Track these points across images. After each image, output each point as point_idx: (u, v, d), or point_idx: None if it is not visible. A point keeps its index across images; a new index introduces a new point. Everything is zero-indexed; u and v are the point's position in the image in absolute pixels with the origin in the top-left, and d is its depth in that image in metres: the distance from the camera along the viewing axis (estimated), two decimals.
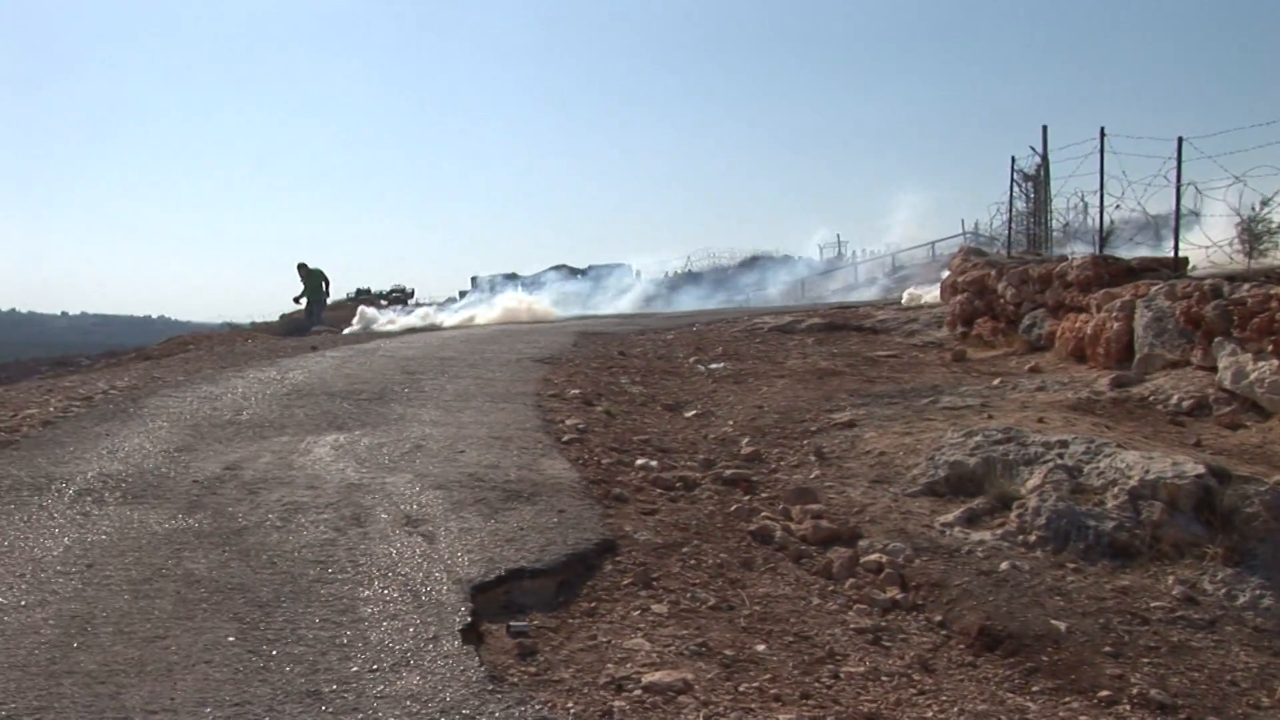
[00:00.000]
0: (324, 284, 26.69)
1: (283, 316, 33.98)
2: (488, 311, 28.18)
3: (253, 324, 31.50)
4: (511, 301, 29.59)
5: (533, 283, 39.39)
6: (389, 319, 28.45)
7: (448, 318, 28.19)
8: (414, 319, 28.71)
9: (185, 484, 6.57)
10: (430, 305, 34.79)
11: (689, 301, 36.00)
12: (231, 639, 4.25)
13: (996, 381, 11.28)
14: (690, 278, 44.64)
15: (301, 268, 26.28)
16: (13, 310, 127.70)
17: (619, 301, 35.59)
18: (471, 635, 4.48)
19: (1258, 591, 5.60)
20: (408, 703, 3.79)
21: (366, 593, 4.82)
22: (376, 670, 4.03)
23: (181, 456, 7.33)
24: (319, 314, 26.57)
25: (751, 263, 45.89)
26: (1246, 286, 9.66)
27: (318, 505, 6.13)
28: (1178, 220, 13.22)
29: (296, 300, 26.62)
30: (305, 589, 4.84)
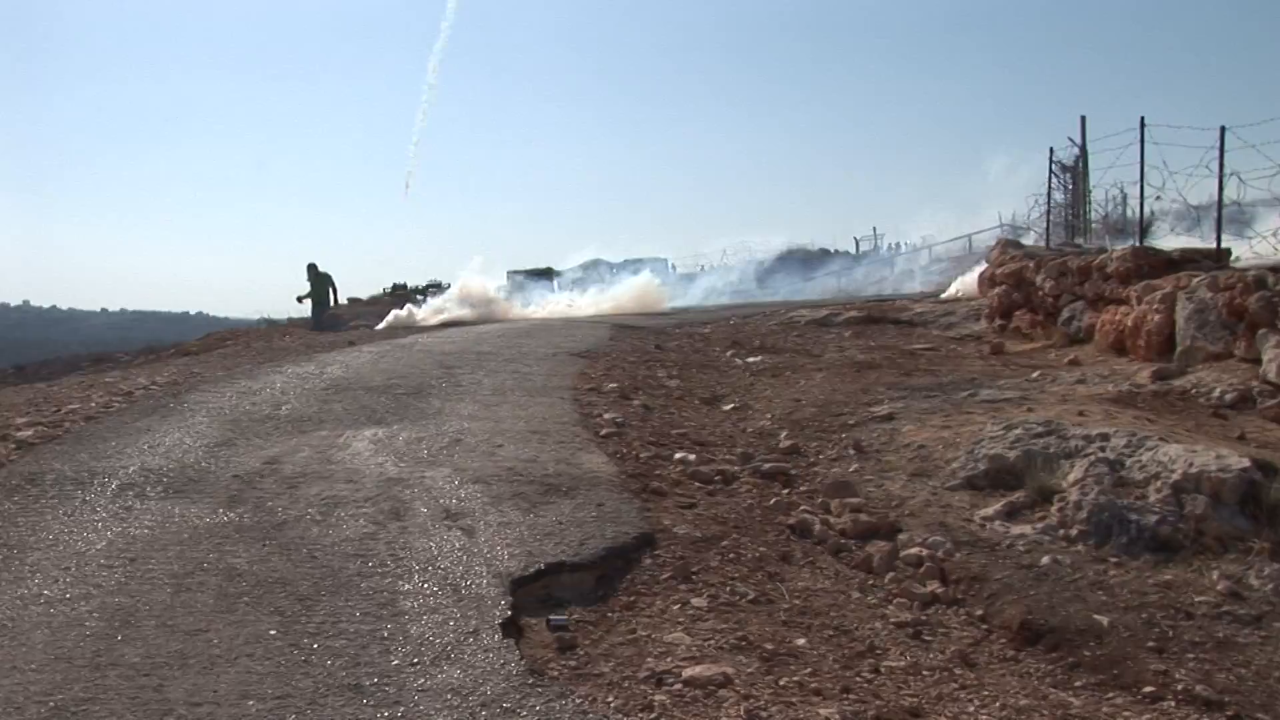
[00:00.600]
0: (331, 288, 26.58)
1: None
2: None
3: (290, 320, 31.60)
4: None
5: (572, 279, 39.23)
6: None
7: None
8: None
9: (225, 478, 6.61)
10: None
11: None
12: (273, 632, 4.27)
13: (1036, 374, 11.20)
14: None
15: (311, 268, 26.19)
16: (53, 307, 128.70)
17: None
18: (511, 629, 4.49)
19: None
20: (448, 696, 3.79)
21: (406, 586, 4.83)
22: (417, 664, 4.03)
23: (221, 451, 7.37)
24: (321, 317, 26.42)
25: (788, 257, 45.55)
26: None
27: (357, 499, 6.15)
28: (1220, 211, 13.09)
29: (300, 300, 26.52)
30: (345, 583, 4.86)
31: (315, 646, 4.15)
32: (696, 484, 7.17)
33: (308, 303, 26.28)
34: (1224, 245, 13.02)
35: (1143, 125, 14.47)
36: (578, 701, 3.88)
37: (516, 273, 41.69)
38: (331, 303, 26.56)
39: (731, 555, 5.79)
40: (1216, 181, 12.66)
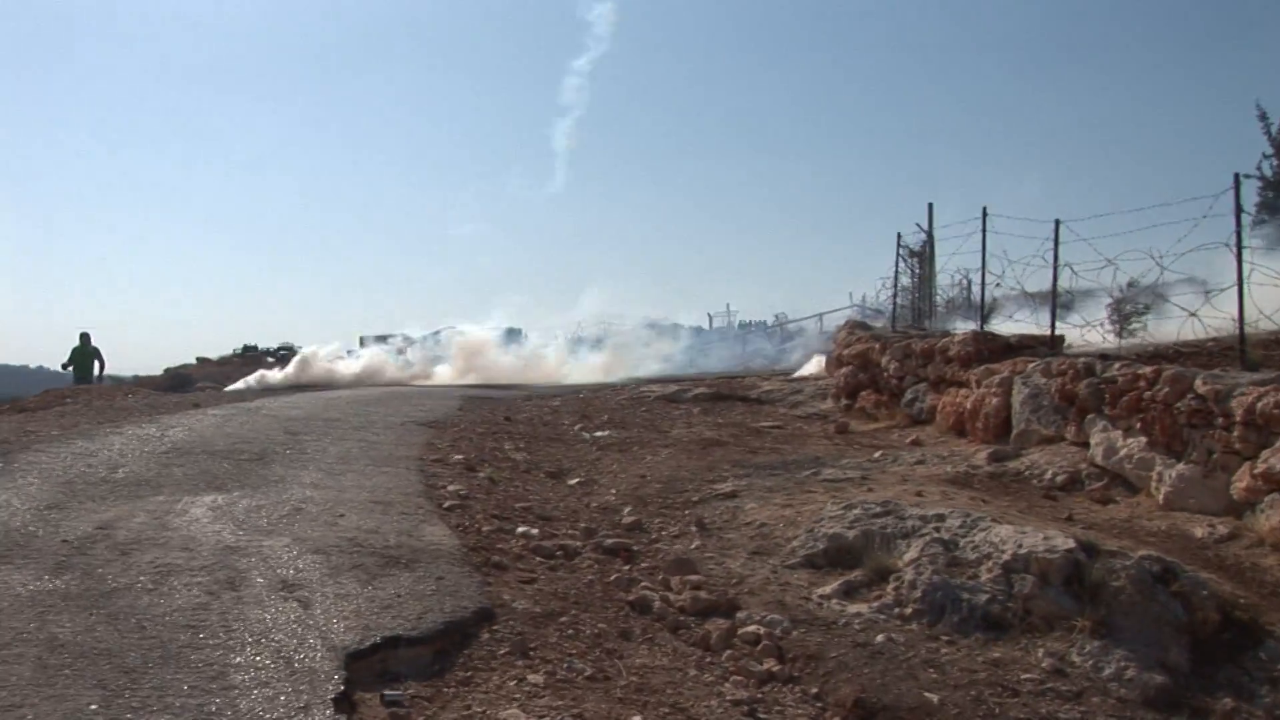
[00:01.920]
0: (98, 361, 25.29)
1: (167, 370, 33.31)
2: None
3: (136, 378, 30.75)
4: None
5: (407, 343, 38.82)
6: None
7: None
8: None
9: (54, 544, 6.40)
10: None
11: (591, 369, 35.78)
12: (94, 707, 4.14)
13: (878, 454, 11.48)
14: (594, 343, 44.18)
15: (83, 338, 25.03)
16: None
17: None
18: (344, 704, 4.43)
19: (1122, 663, 5.76)
20: None
21: (238, 659, 4.74)
22: None
23: (52, 515, 7.14)
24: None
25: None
26: (1117, 366, 10.00)
27: (192, 568, 6.02)
28: (1055, 299, 13.63)
29: (64, 367, 25.35)
30: (175, 654, 4.74)
31: None
32: (538, 559, 7.19)
33: (69, 370, 24.92)
34: (1058, 332, 13.54)
35: (985, 215, 15.03)
36: None
37: (368, 338, 41.24)
38: (95, 376, 25.19)
39: (570, 631, 5.81)
40: (1052, 271, 13.19)
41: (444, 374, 31.11)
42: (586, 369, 33.41)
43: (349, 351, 35.44)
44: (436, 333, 37.40)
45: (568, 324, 44.55)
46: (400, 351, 34.43)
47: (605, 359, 34.81)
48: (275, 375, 28.94)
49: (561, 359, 35.47)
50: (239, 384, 27.43)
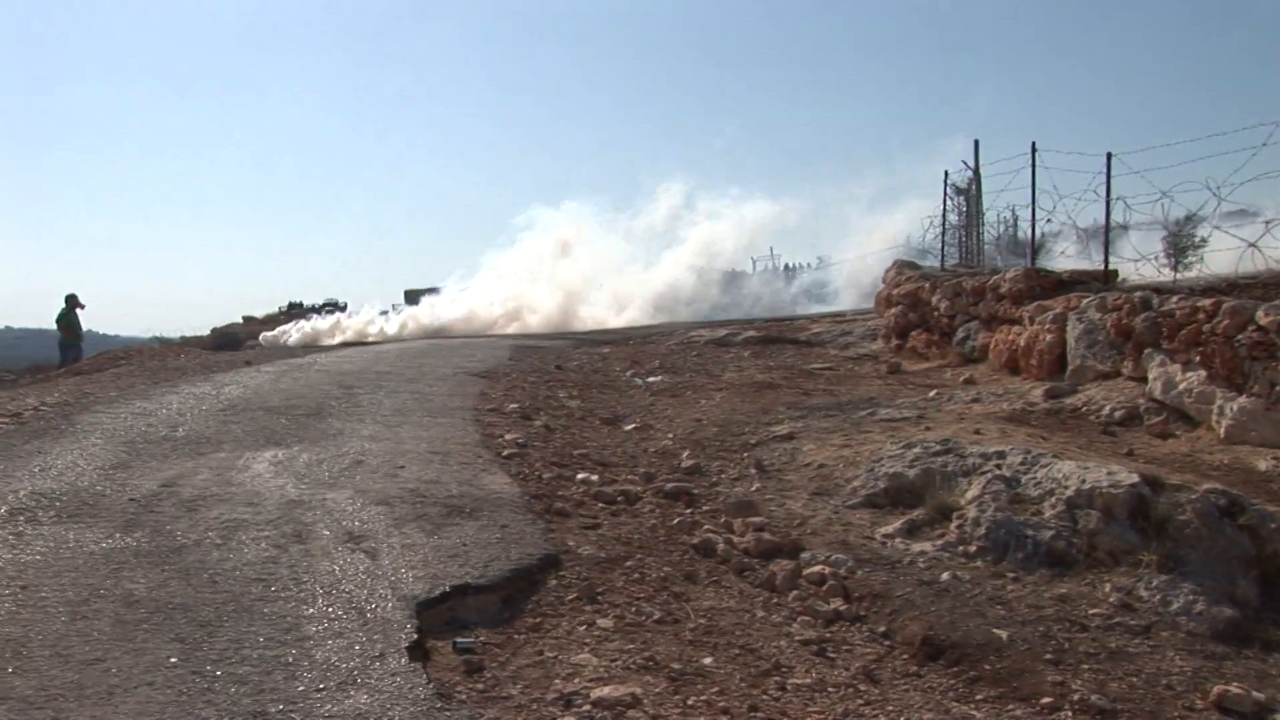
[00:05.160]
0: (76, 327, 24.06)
1: (214, 330, 33.54)
2: None
3: (183, 338, 31.00)
4: None
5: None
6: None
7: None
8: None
9: (122, 502, 6.45)
10: None
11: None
12: (174, 660, 4.18)
13: (932, 393, 11.40)
14: None
15: (70, 300, 23.54)
16: None
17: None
18: (418, 652, 4.45)
19: (1190, 597, 5.70)
20: None
21: (311, 610, 4.76)
22: (323, 689, 3.98)
23: (117, 474, 7.20)
24: (70, 357, 23.13)
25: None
26: (1175, 299, 9.86)
27: (258, 522, 6.05)
28: (1108, 234, 13.45)
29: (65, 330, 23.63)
30: (248, 608, 4.77)
31: (218, 674, 4.07)
32: (600, 504, 7.19)
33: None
34: (1111, 267, 13.37)
35: (1034, 150, 14.81)
36: None
37: (415, 292, 41.41)
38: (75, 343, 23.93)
39: (636, 575, 5.82)
40: (1104, 206, 13.00)
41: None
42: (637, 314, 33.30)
43: (387, 311, 35.65)
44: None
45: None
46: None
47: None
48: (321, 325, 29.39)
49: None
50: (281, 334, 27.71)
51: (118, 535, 5.77)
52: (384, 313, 35.06)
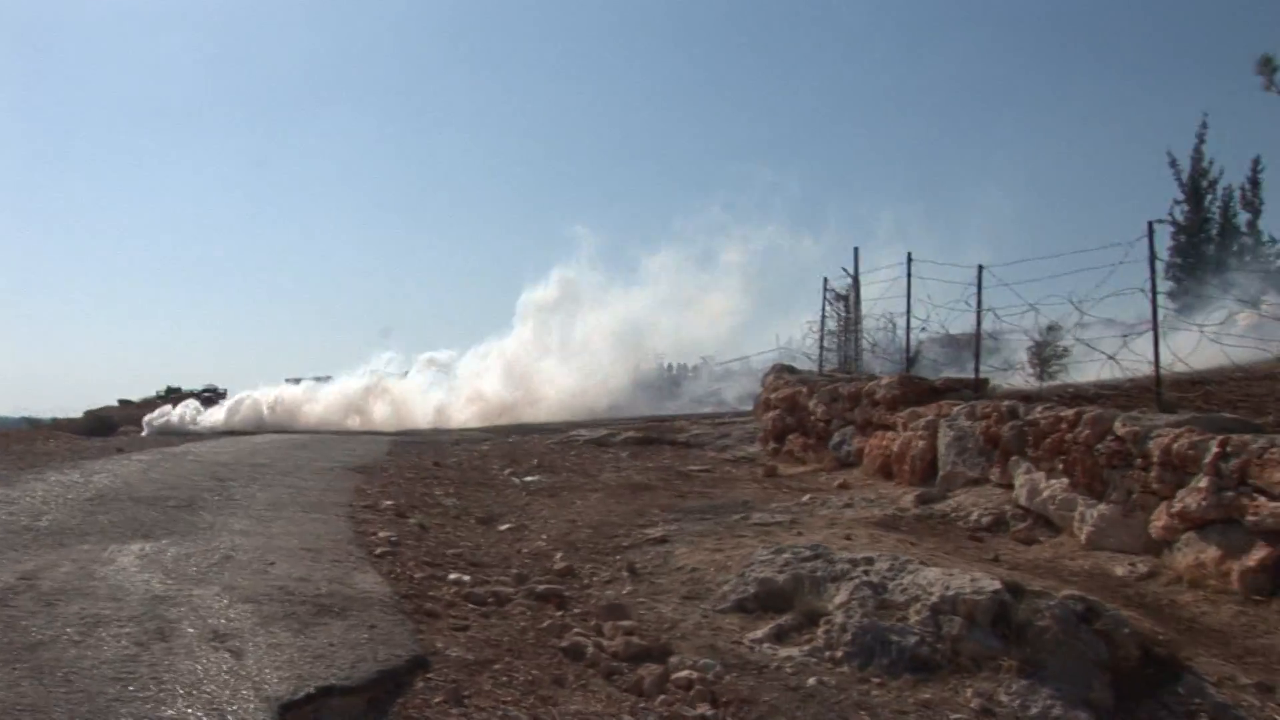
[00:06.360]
0: None
1: (87, 413, 32.75)
2: None
3: (54, 420, 30.22)
4: None
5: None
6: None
7: None
8: None
9: None
10: None
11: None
12: None
13: (806, 498, 11.60)
14: None
15: None
16: None
17: None
18: None
19: (1048, 701, 5.86)
20: None
21: (170, 712, 4.69)
22: None
23: None
24: None
25: None
26: (1039, 408, 10.22)
27: (120, 618, 5.95)
28: (979, 342, 13.89)
29: None
30: (104, 708, 4.68)
31: None
32: (470, 605, 7.19)
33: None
34: (982, 375, 13.81)
35: (909, 260, 15.32)
36: None
37: (298, 380, 40.97)
38: None
39: (504, 678, 5.82)
40: (975, 315, 13.46)
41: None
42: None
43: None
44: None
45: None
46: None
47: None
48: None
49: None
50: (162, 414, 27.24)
51: None
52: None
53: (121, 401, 39.79)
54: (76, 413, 33.04)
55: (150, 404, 38.27)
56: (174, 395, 42.69)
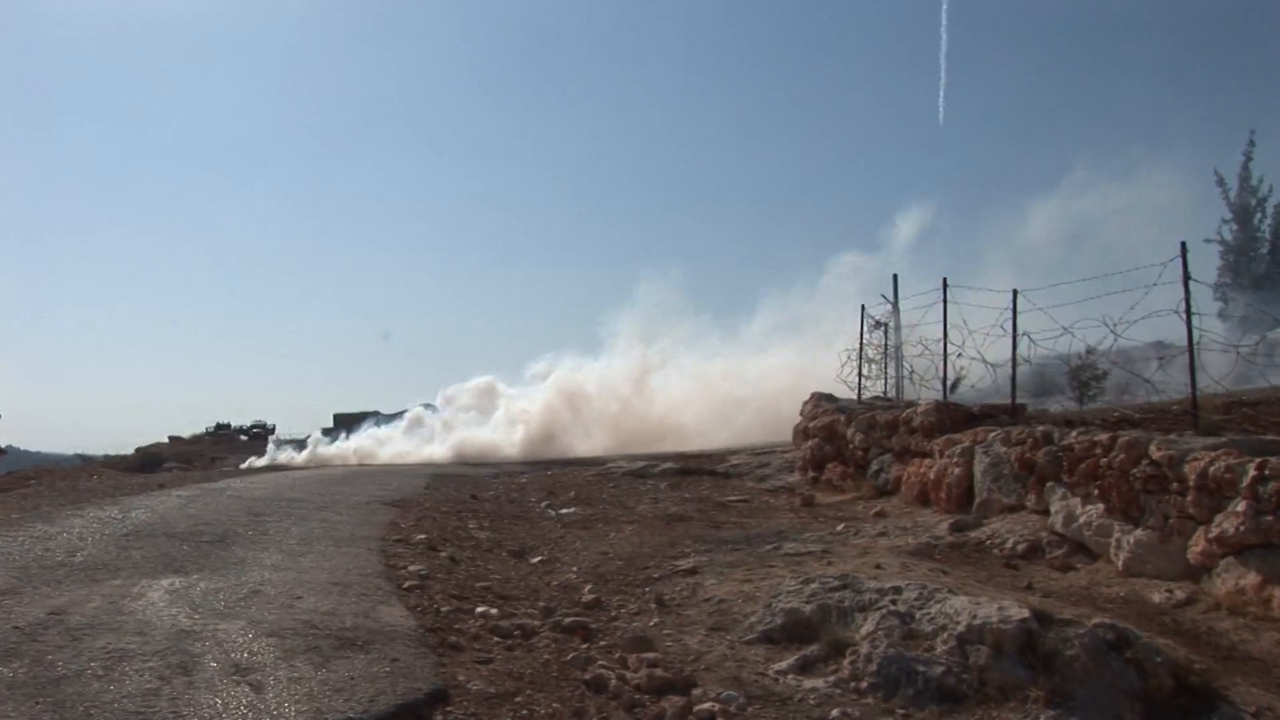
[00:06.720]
0: None
1: (138, 450, 33.20)
2: None
3: (106, 457, 30.62)
4: None
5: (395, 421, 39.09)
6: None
7: None
8: None
9: (4, 630, 6.35)
10: None
11: None
12: None
13: (840, 527, 11.53)
14: None
15: None
16: None
17: None
18: None
19: None
20: None
21: None
22: None
23: (4, 600, 7.09)
24: None
25: None
26: (1074, 433, 10.11)
27: (144, 653, 5.98)
28: (1014, 367, 13.78)
29: None
30: None
31: None
32: (495, 638, 7.18)
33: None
34: (1019, 400, 13.70)
35: (945, 286, 15.25)
36: None
37: (346, 415, 41.33)
38: None
39: (524, 712, 5.79)
40: (1011, 340, 13.37)
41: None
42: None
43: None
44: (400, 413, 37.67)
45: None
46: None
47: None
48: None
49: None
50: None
51: None
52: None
53: (172, 438, 40.28)
54: (129, 449, 33.52)
55: (199, 440, 38.74)
56: (223, 432, 43.14)
